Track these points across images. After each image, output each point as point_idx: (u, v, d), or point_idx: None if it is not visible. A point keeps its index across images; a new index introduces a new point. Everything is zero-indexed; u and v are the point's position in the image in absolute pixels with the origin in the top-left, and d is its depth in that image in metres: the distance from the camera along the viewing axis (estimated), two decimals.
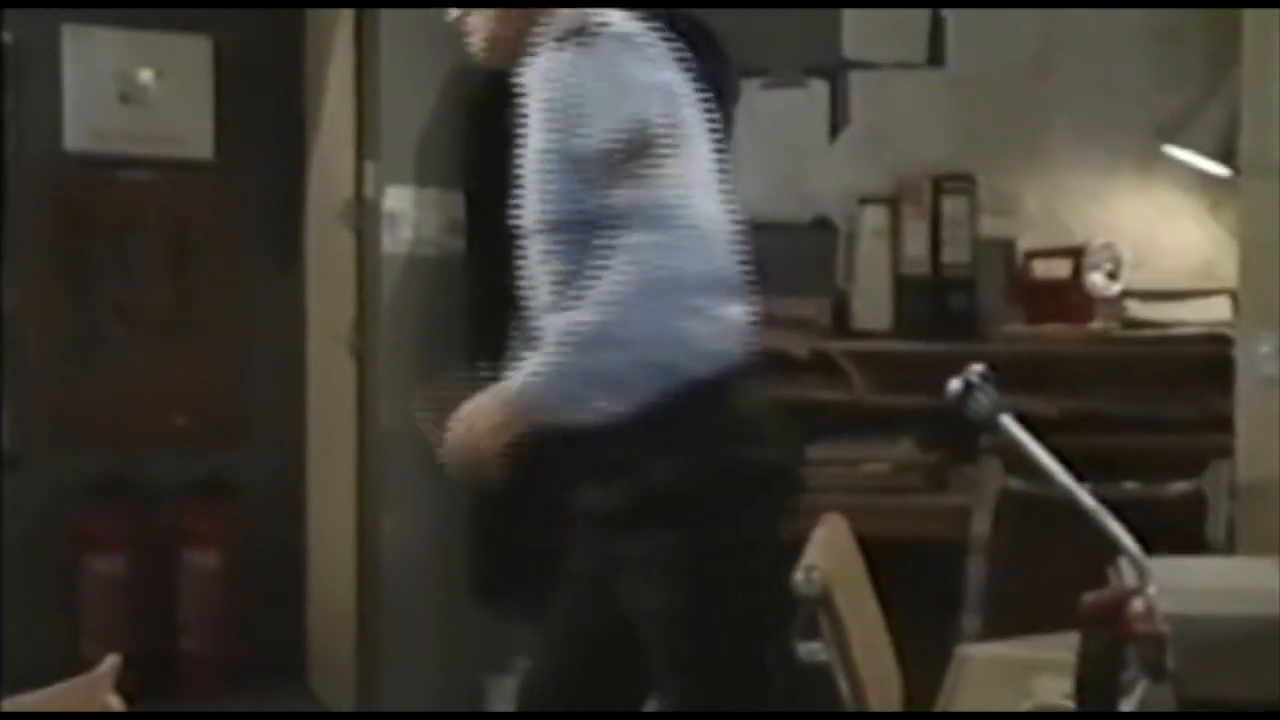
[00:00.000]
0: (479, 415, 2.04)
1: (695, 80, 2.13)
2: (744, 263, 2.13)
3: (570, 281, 2.07)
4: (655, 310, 1.98)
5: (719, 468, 2.01)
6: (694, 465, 2.01)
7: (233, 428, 4.82)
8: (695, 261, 2.01)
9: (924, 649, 2.39)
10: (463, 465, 2.06)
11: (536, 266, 2.16)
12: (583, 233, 2.05)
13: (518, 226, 2.23)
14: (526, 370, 2.04)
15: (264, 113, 4.76)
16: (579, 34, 2.08)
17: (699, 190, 2.06)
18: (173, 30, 4.69)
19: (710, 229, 2.05)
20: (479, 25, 2.31)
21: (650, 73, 2.08)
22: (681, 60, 2.14)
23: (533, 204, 2.17)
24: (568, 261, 2.08)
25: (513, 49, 2.22)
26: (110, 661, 1.46)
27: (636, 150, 2.02)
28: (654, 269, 1.98)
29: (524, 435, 2.01)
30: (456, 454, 2.05)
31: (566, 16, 2.12)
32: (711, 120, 2.15)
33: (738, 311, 2.08)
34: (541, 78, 2.12)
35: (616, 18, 2.12)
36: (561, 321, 2.04)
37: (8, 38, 4.49)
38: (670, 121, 2.04)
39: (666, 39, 2.14)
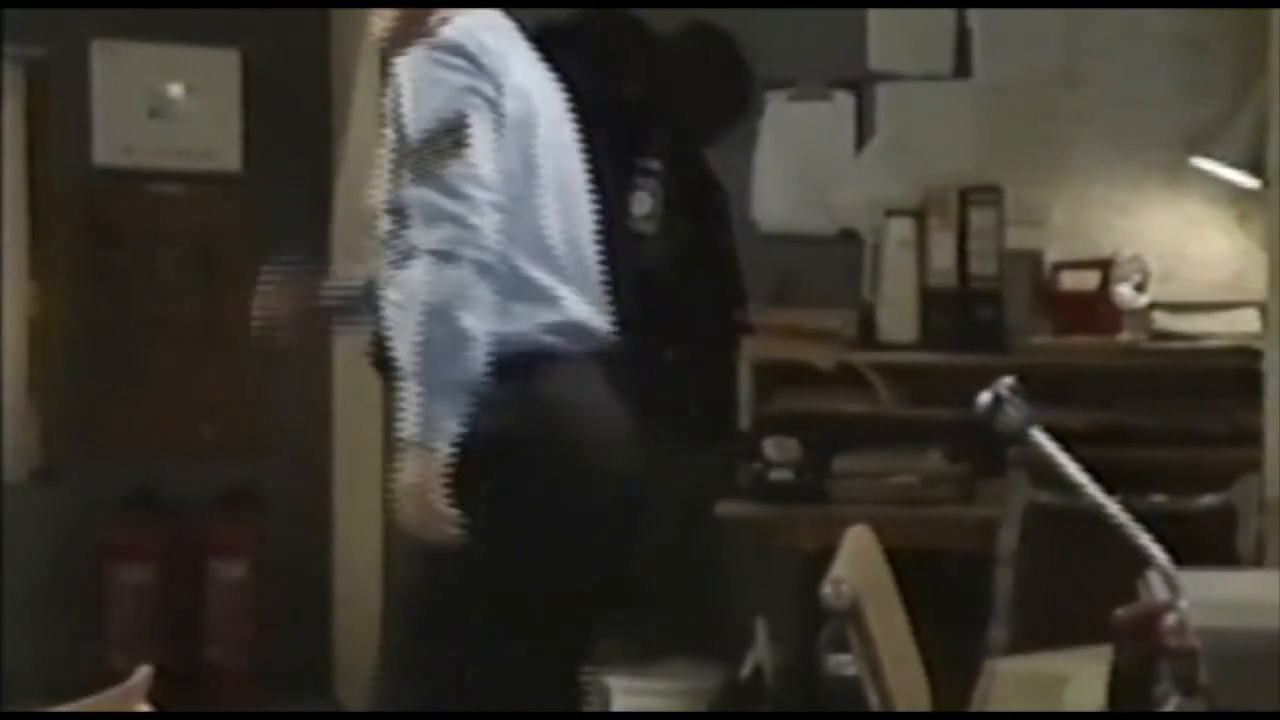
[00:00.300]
0: (412, 492, 2.21)
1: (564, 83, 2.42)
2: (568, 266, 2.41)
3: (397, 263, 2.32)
4: (443, 322, 2.19)
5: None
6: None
7: (260, 439, 4.83)
8: (478, 262, 2.22)
9: (952, 662, 2.39)
10: (427, 530, 2.22)
11: (380, 244, 2.40)
12: (401, 221, 2.30)
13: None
14: (413, 423, 2.21)
15: (292, 125, 4.78)
16: (421, 36, 2.30)
17: (493, 188, 2.26)
18: (201, 44, 4.72)
19: (489, 227, 2.24)
20: (385, 17, 2.46)
21: (464, 78, 2.28)
22: (543, 63, 2.43)
23: (380, 190, 2.41)
24: (393, 246, 2.34)
25: (399, 43, 2.38)
26: (142, 672, 1.47)
27: (438, 148, 2.22)
28: (440, 273, 2.20)
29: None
30: (416, 523, 2.21)
31: (424, 19, 2.31)
32: (572, 127, 2.47)
33: (540, 310, 2.33)
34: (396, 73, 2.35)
35: (461, 23, 2.24)
36: (405, 356, 2.24)
37: (36, 52, 4.53)
38: (477, 125, 2.24)
39: (527, 43, 2.43)
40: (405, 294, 2.25)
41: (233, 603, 4.67)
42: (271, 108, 4.79)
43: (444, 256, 2.20)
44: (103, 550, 4.60)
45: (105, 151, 4.66)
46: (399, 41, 2.36)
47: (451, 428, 2.18)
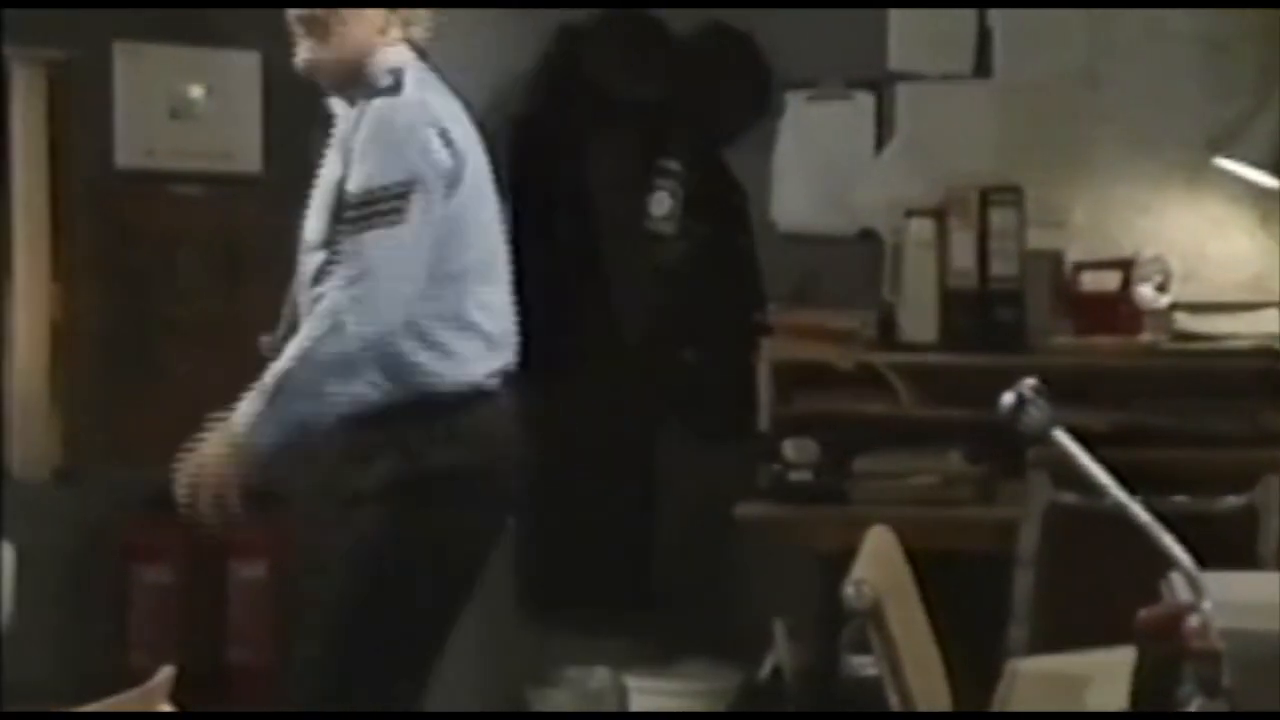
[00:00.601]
0: (208, 459, 2.44)
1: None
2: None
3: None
4: (310, 369, 2.38)
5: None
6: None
7: None
8: (371, 321, 2.34)
9: (973, 662, 2.38)
10: (198, 503, 2.49)
11: (305, 279, 2.52)
12: (331, 259, 2.41)
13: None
14: (242, 415, 2.44)
15: (312, 127, 4.79)
16: (367, 85, 2.44)
17: (408, 264, 2.36)
18: (222, 46, 4.73)
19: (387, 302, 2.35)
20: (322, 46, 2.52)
21: (432, 154, 2.38)
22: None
23: (311, 224, 2.53)
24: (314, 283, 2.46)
25: (345, 85, 2.49)
26: (164, 673, 1.47)
27: (375, 210, 2.33)
28: (338, 322, 2.34)
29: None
30: (191, 493, 2.28)
31: (365, 62, 2.43)
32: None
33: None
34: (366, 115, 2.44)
35: (412, 79, 2.40)
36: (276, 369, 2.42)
37: (58, 54, 4.55)
38: (419, 201, 2.34)
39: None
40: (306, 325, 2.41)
41: (253, 603, 4.68)
42: (292, 110, 4.80)
43: (335, 325, 2.34)
44: (124, 551, 4.62)
45: (126, 153, 4.67)
46: (345, 84, 2.48)
47: (268, 440, 2.40)
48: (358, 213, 2.29)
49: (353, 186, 2.32)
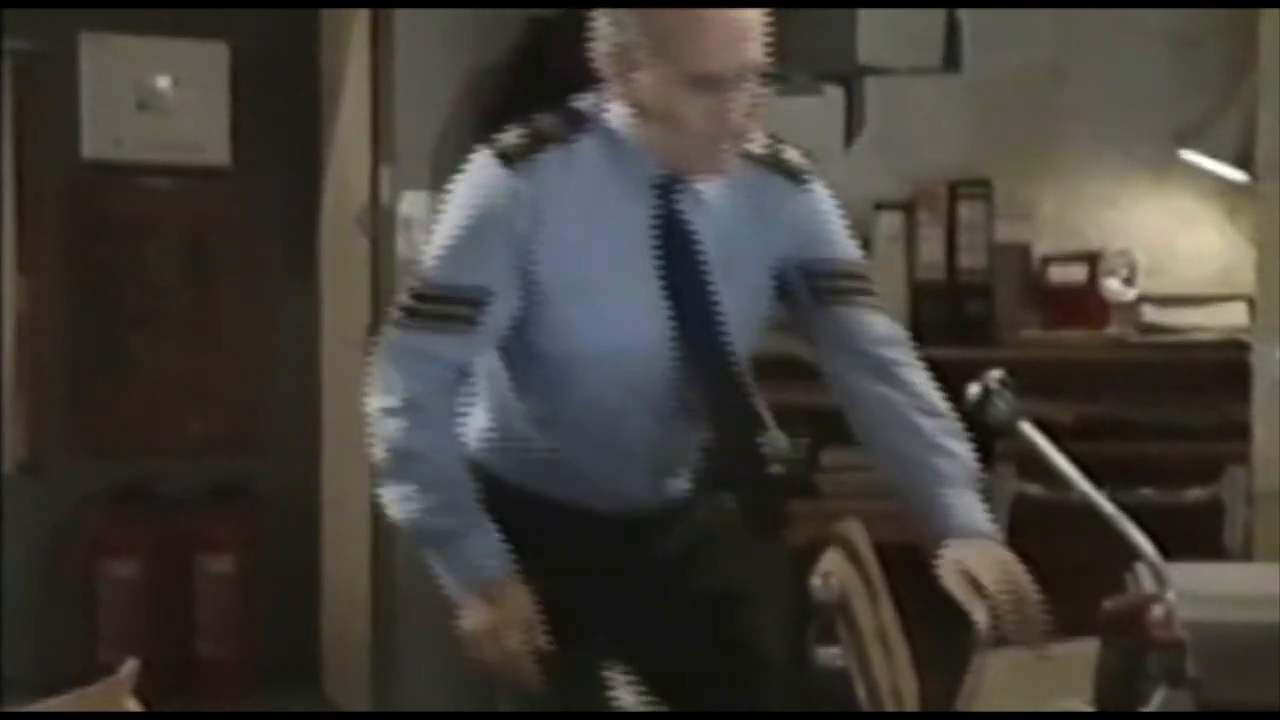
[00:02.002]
0: (479, 637, 1.98)
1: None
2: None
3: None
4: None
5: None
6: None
7: (249, 433, 4.83)
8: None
9: (940, 654, 2.39)
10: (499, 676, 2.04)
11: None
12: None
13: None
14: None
15: (280, 119, 4.77)
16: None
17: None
18: (189, 37, 4.71)
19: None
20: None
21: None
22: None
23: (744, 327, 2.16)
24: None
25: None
26: (130, 666, 1.46)
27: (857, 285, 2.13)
28: None
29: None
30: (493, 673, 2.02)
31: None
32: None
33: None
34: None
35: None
36: None
37: (25, 45, 4.52)
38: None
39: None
40: None
41: (221, 597, 4.67)
42: (260, 101, 4.78)
43: None
44: (92, 545, 4.60)
45: (94, 144, 4.65)
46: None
47: (488, 562, 1.96)
48: (845, 284, 2.10)
49: (845, 259, 2.11)
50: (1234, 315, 3.75)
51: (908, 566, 2.53)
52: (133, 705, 1.47)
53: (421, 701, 4.12)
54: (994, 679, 1.96)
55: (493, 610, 1.95)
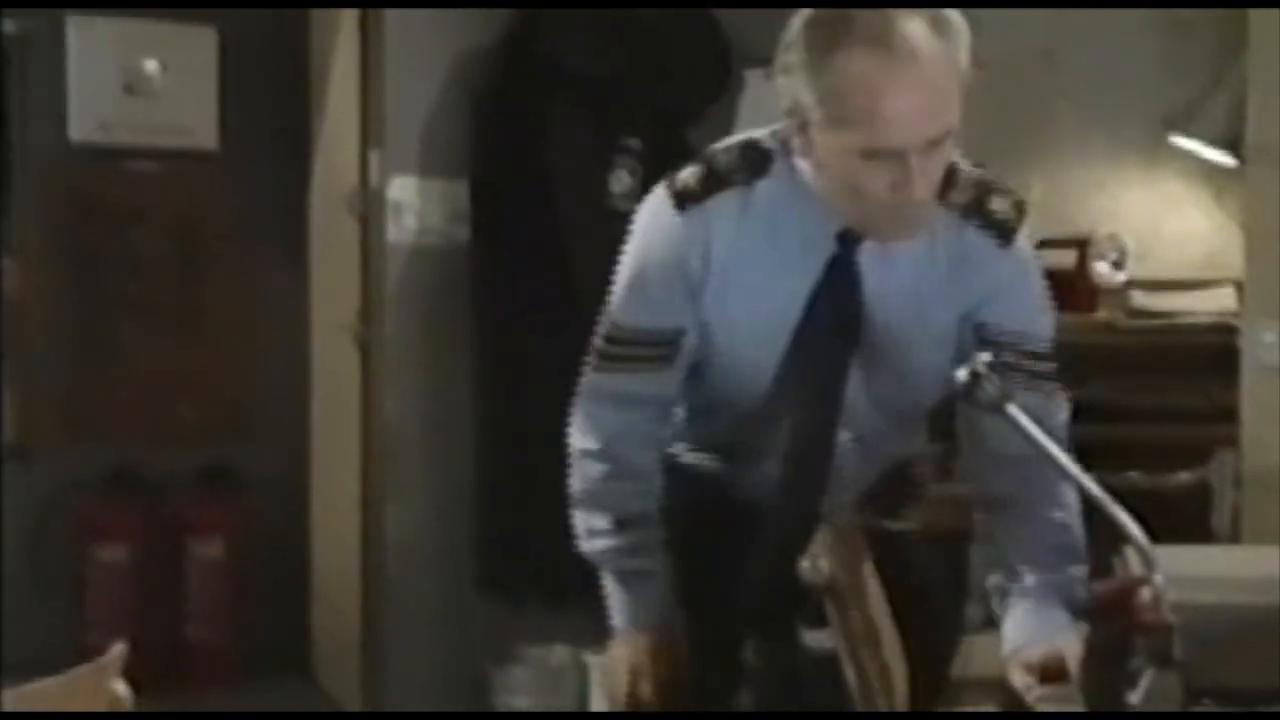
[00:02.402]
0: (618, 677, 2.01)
1: None
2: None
3: None
4: None
5: None
6: None
7: (238, 418, 4.82)
8: None
9: (930, 638, 2.39)
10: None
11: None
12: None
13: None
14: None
15: (269, 103, 4.76)
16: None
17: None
18: (177, 21, 4.69)
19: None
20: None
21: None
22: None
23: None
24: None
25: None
26: (117, 649, 1.46)
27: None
28: None
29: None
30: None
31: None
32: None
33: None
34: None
35: None
36: None
37: (12, 28, 4.50)
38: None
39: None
40: None
41: (210, 582, 4.67)
42: (248, 85, 4.77)
43: None
44: (80, 530, 4.59)
45: (81, 128, 4.63)
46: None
47: (638, 610, 1.99)
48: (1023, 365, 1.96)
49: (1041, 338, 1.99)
50: (1222, 299, 3.75)
51: (896, 551, 2.53)
52: (120, 688, 1.47)
53: (411, 686, 4.12)
54: (982, 663, 1.96)
55: (643, 655, 1.99)
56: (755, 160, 1.91)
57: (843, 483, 2.04)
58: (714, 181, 1.91)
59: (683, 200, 1.92)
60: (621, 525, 2.01)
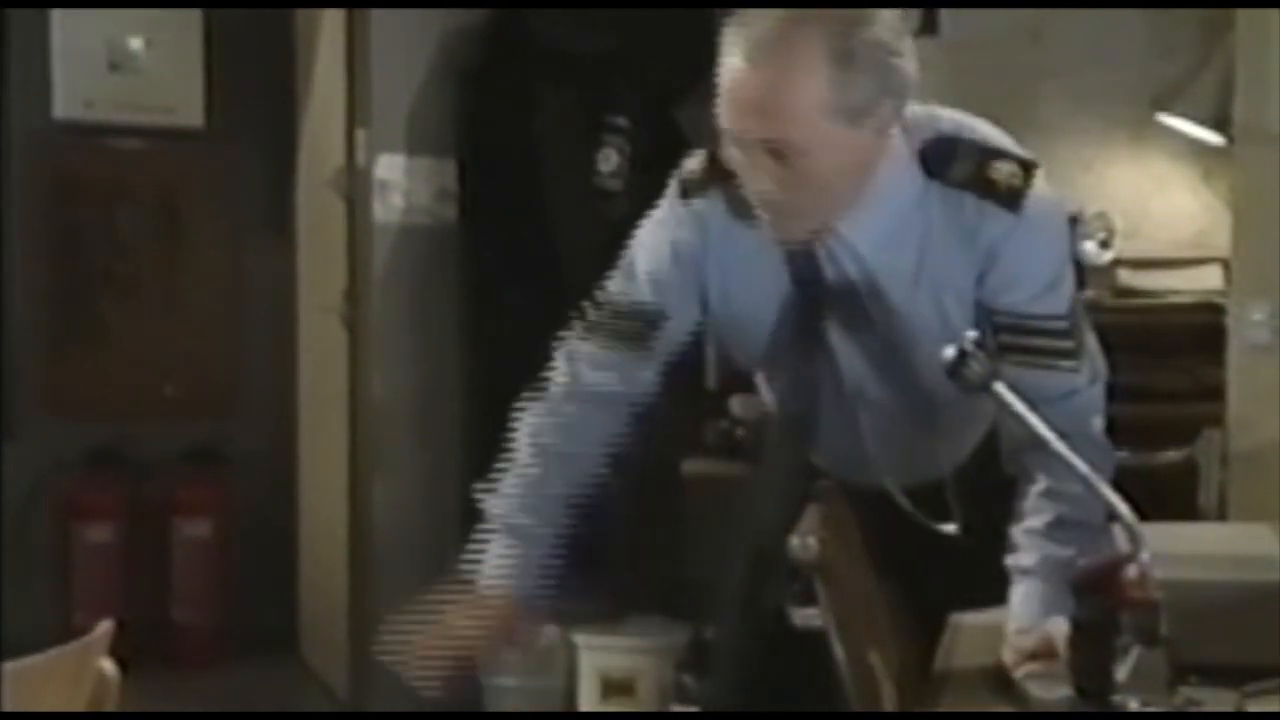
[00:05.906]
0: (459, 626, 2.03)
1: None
2: None
3: None
4: None
5: None
6: None
7: (224, 397, 4.82)
8: None
9: (918, 616, 2.40)
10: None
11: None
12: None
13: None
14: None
15: (255, 80, 4.74)
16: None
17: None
18: None
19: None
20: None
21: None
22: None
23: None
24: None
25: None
26: (104, 627, 1.46)
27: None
28: None
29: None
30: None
31: None
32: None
33: None
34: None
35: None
36: None
37: None
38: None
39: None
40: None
41: (197, 561, 4.67)
42: (234, 62, 4.75)
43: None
44: (66, 509, 4.58)
45: (65, 105, 4.61)
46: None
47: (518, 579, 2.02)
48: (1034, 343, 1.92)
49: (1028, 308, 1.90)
50: (1209, 278, 3.76)
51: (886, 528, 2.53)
52: (107, 666, 1.46)
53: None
54: (968, 640, 1.96)
55: (480, 616, 2.04)
56: None
57: (866, 459, 2.07)
58: (713, 173, 1.99)
59: (686, 191, 2.03)
60: (527, 480, 2.08)
